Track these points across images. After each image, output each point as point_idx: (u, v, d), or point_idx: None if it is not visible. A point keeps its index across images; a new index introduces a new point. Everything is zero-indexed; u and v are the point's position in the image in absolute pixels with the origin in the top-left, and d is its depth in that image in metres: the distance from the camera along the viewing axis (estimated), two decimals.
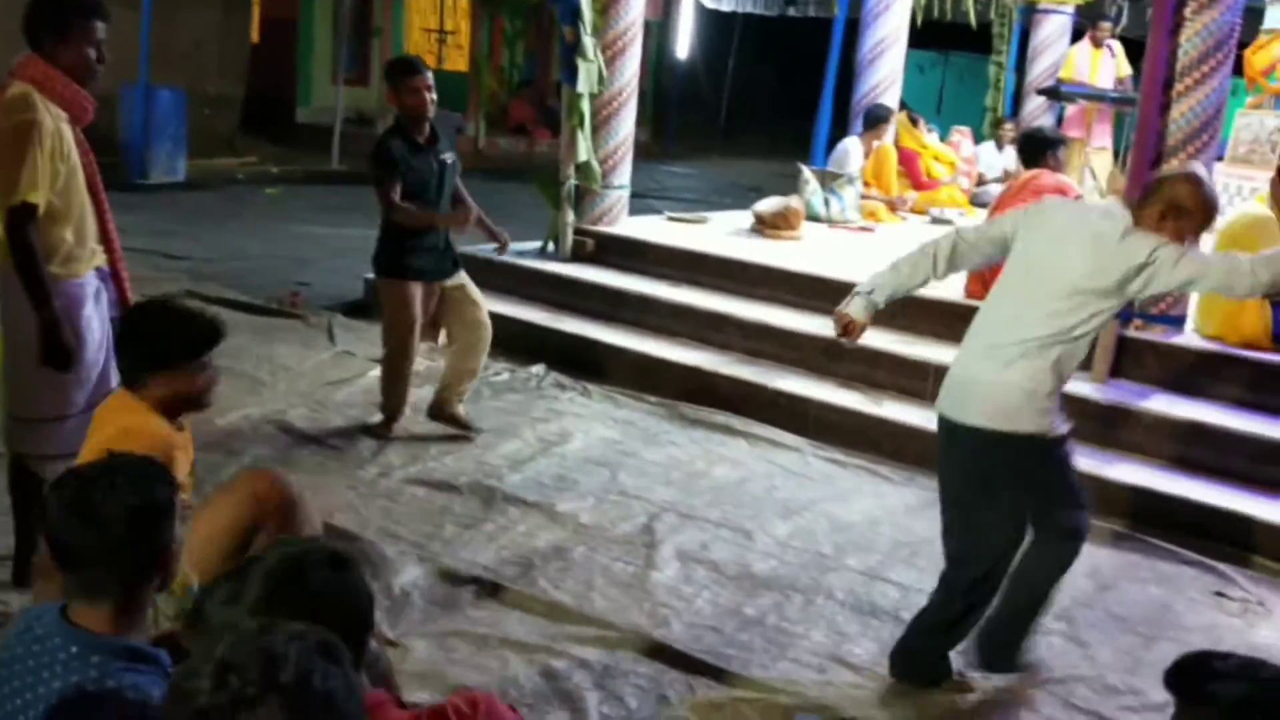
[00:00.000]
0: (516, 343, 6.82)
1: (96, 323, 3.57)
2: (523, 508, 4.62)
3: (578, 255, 7.54)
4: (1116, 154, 12.29)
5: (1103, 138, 11.47)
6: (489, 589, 3.90)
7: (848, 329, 3.68)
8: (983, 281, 6.15)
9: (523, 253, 7.78)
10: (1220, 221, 5.83)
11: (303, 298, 7.63)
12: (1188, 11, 5.34)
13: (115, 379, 3.62)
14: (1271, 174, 7.52)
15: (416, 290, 5.21)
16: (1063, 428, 3.43)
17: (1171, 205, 3.30)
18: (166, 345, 2.92)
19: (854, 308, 3.69)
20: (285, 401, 5.62)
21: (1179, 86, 5.39)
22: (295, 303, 7.44)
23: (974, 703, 3.49)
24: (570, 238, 7.53)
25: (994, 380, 3.34)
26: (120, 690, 1.84)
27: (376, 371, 6.16)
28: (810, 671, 3.58)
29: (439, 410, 5.38)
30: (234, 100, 14.43)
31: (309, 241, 9.83)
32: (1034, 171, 6.15)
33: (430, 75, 5.12)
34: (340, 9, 15.49)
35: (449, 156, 5.23)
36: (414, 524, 4.39)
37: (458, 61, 19.21)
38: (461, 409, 5.41)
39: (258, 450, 4.93)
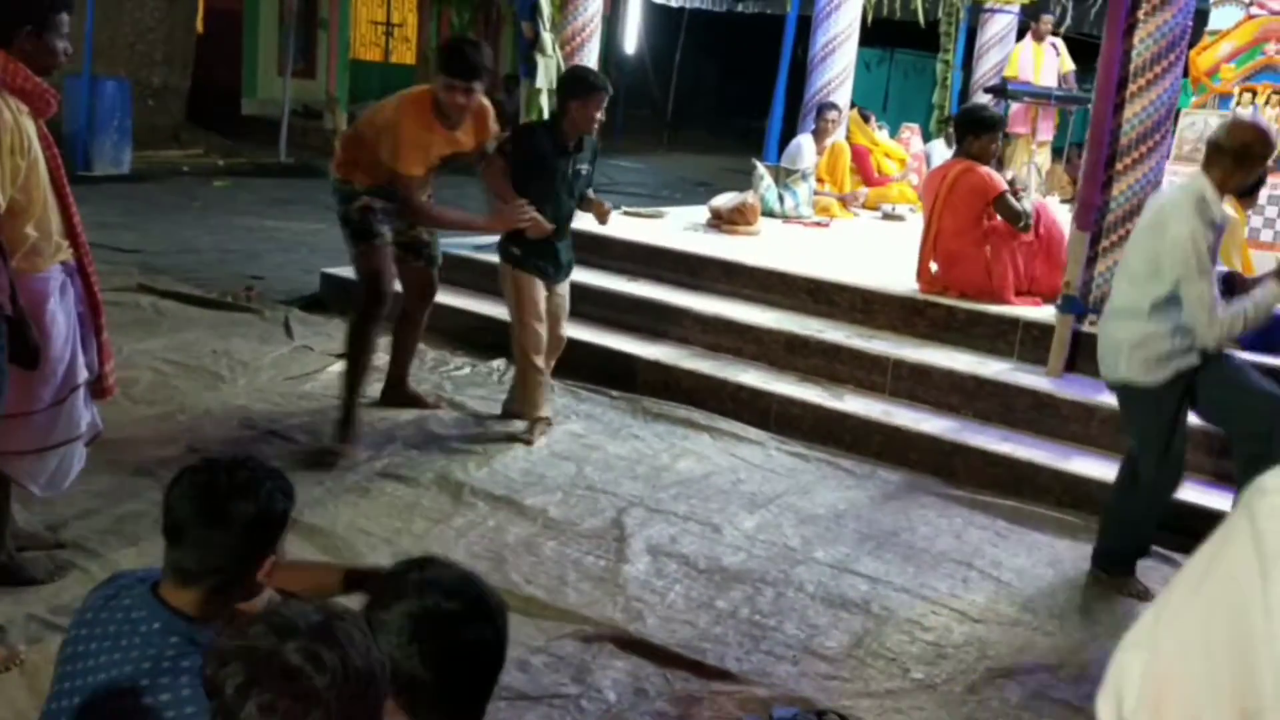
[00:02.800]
0: (477, 337, 6.81)
1: (62, 317, 3.51)
2: (491, 502, 4.62)
3: None
4: (1059, 151, 12.52)
5: (1046, 134, 11.69)
6: None
7: None
8: (925, 279, 6.27)
9: (481, 247, 7.75)
10: None
11: (257, 292, 7.54)
12: (1141, 13, 5.44)
13: (83, 374, 3.57)
14: None
15: (536, 285, 5.33)
16: None
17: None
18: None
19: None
20: (247, 397, 5.56)
21: (1132, 86, 5.50)
22: (250, 297, 7.35)
23: (945, 693, 3.55)
24: None
25: None
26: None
27: (337, 366, 6.13)
28: (785, 664, 3.62)
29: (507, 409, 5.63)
30: (179, 92, 14.21)
31: (260, 235, 9.72)
32: (966, 165, 6.22)
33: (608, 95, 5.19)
34: (285, 1, 15.31)
35: (585, 167, 5.30)
36: (383, 519, 4.37)
37: (405, 55, 19.10)
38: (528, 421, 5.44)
39: (222, 450, 4.86)
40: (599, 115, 5.13)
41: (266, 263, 8.61)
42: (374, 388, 5.57)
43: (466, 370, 6.35)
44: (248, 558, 2.05)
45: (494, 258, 7.43)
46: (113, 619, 1.99)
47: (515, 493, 4.72)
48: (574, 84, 5.22)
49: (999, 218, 6.20)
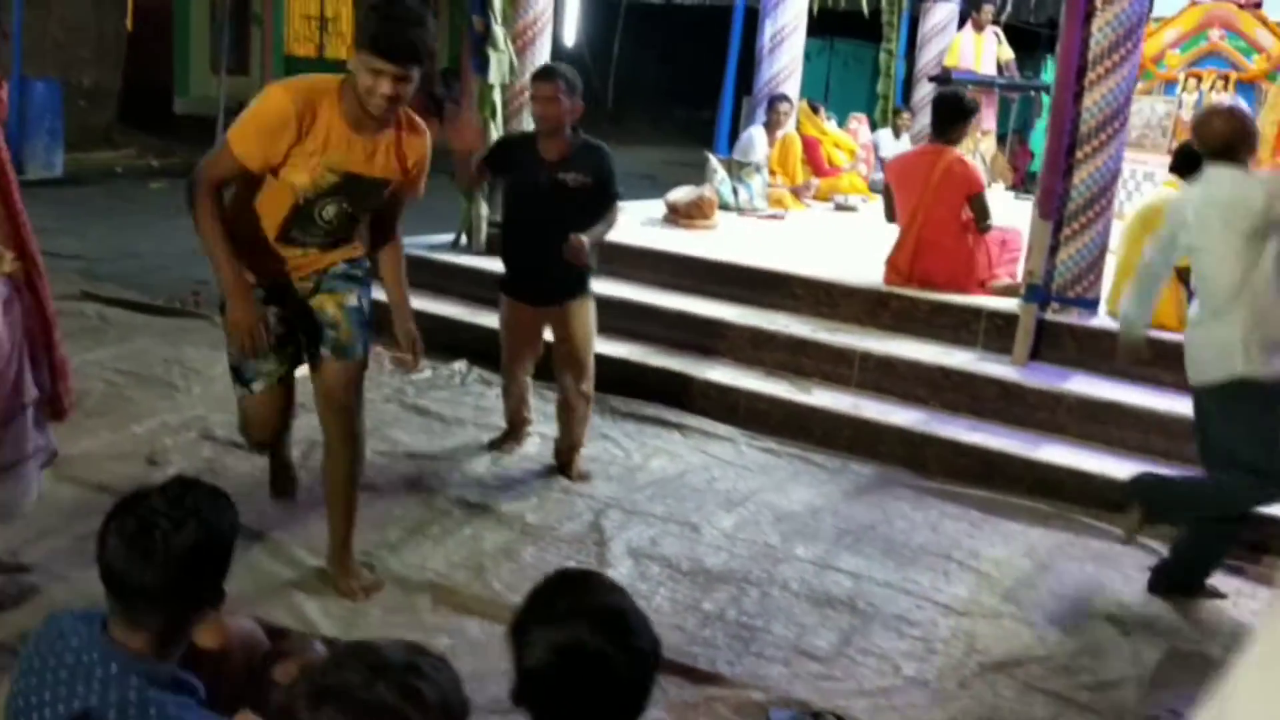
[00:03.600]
0: (434, 339, 6.62)
1: (5, 333, 3.35)
2: (466, 509, 4.52)
3: (493, 248, 7.39)
4: (1001, 138, 12.63)
5: (989, 121, 11.78)
6: (444, 594, 3.80)
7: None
8: (897, 269, 6.27)
9: (435, 246, 7.64)
10: (1132, 206, 6.03)
11: (204, 297, 7.34)
12: (1099, 1, 5.47)
13: (31, 393, 3.42)
14: (1161, 155, 7.83)
15: (512, 306, 4.98)
16: None
17: None
18: None
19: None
20: (204, 406, 5.41)
21: (1091, 74, 5.53)
22: (198, 302, 7.16)
23: (938, 689, 3.53)
24: (485, 230, 7.40)
25: None
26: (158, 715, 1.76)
27: (296, 372, 5.99)
28: (776, 665, 3.57)
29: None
30: (111, 91, 13.84)
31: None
32: (957, 155, 6.22)
33: (560, 83, 4.49)
34: None
35: (573, 177, 4.58)
36: (358, 531, 4.23)
37: (340, 49, 18.81)
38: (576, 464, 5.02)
39: (183, 463, 4.72)
40: (544, 106, 4.50)
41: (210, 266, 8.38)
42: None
43: (427, 373, 6.23)
44: (196, 595, 1.94)
45: (450, 258, 7.36)
46: (63, 664, 1.88)
47: (489, 498, 4.63)
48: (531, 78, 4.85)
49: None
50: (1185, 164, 5.52)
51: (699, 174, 9.01)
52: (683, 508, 4.70)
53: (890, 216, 6.47)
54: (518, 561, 4.11)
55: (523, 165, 4.67)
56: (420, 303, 6.89)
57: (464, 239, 7.56)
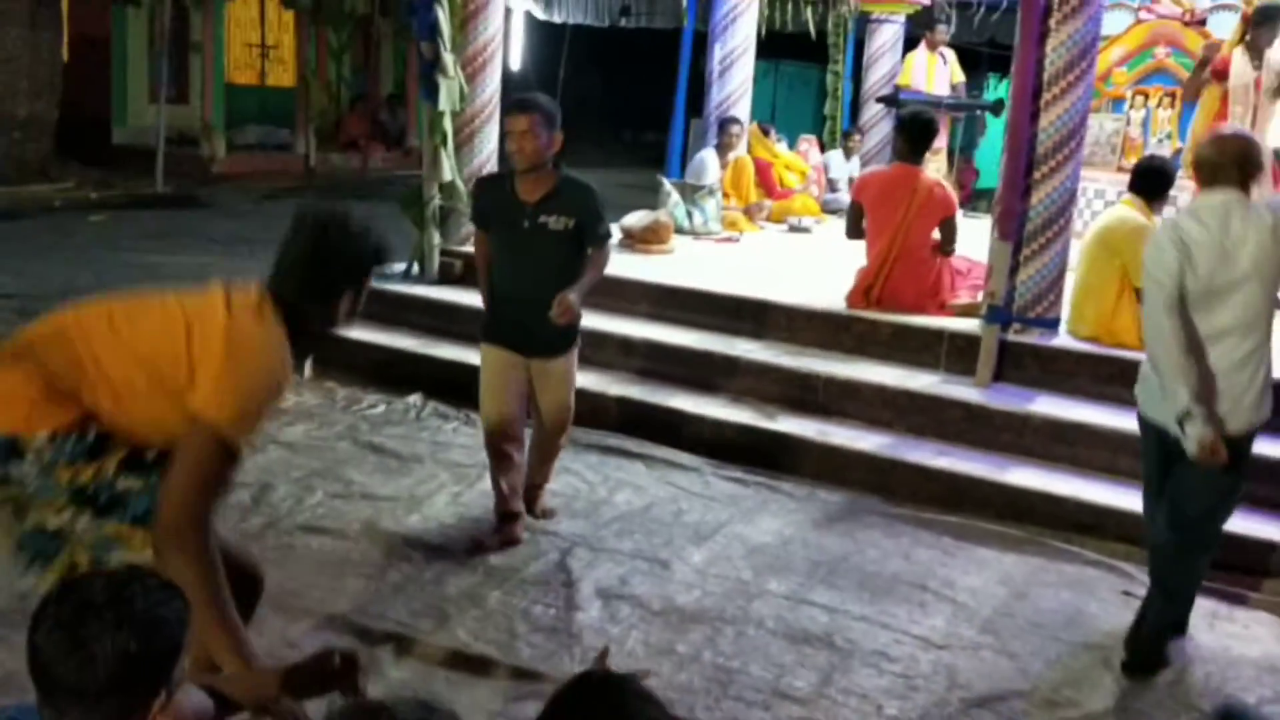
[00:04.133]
0: (387, 372, 6.54)
1: None
2: (426, 552, 4.37)
3: (445, 277, 7.27)
4: (950, 156, 12.69)
5: (940, 140, 11.82)
6: (407, 646, 3.65)
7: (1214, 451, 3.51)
8: (864, 289, 6.21)
9: (387, 276, 7.47)
10: (1093, 225, 6.02)
11: None
12: (1053, 22, 5.47)
13: None
14: (1111, 172, 7.87)
15: (488, 350, 4.52)
16: None
17: None
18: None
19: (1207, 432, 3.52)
20: None
21: (1047, 95, 5.52)
22: None
23: None
24: (437, 259, 7.26)
25: None
26: None
27: None
28: (756, 710, 3.46)
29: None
30: (47, 123, 13.51)
31: (144, 271, 9.22)
32: (936, 179, 6.21)
33: (537, 116, 4.13)
34: (156, 24, 14.73)
35: (554, 220, 4.23)
36: (312, 578, 4.09)
37: (282, 77, 18.57)
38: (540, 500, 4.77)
39: None
40: (519, 141, 4.11)
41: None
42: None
43: (381, 408, 6.07)
44: (130, 703, 1.72)
45: (402, 288, 7.20)
46: None
47: (451, 540, 4.49)
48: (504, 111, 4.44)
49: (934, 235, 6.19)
50: (1143, 182, 5.52)
51: (649, 197, 8.93)
52: (651, 543, 4.58)
53: (854, 233, 6.41)
54: (483, 607, 3.97)
55: (501, 207, 4.30)
56: (370, 335, 6.78)
57: (416, 268, 7.40)
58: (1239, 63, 6.80)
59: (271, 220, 12.35)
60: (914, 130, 6.30)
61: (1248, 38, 6.82)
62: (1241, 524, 4.69)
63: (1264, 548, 4.61)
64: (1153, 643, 3.84)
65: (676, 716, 1.68)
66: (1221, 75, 6.82)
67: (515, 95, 4.42)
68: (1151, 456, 3.89)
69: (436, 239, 7.27)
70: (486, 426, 4.52)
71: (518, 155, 4.17)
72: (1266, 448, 4.99)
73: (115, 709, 1.69)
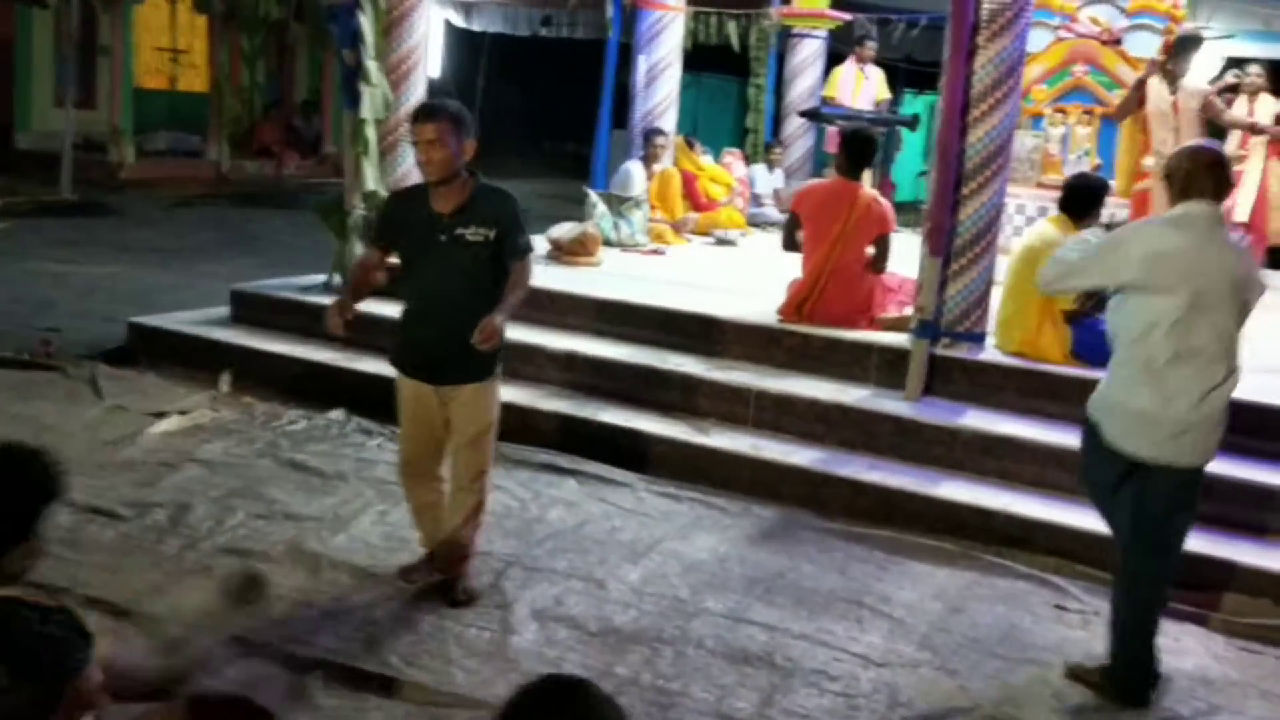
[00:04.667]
0: (307, 385, 6.36)
1: None
2: (354, 574, 4.23)
3: None
4: (873, 171, 12.80)
5: None
6: (337, 673, 3.52)
7: None
8: (796, 303, 6.20)
9: (305, 288, 7.30)
10: (1020, 242, 6.08)
11: (56, 346, 6.85)
12: (980, 39, 5.51)
13: None
14: (1030, 188, 8.00)
15: (403, 382, 4.12)
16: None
17: None
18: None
19: None
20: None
21: (975, 112, 5.56)
22: (49, 352, 6.67)
23: None
24: None
25: None
26: None
27: (158, 427, 5.62)
28: None
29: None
30: None
31: (49, 281, 8.90)
32: (855, 186, 6.21)
33: (445, 122, 3.81)
34: (62, 26, 14.27)
35: (471, 232, 3.88)
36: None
37: (193, 82, 18.15)
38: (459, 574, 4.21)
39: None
40: (428, 151, 3.80)
41: (62, 312, 7.87)
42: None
43: (302, 424, 5.89)
44: None
45: (323, 300, 7.00)
46: None
47: (379, 561, 4.35)
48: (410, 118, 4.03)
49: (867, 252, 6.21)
50: (1073, 201, 5.58)
51: (572, 208, 8.87)
52: (585, 562, 4.49)
53: (789, 245, 6.40)
54: (415, 631, 3.84)
55: (416, 222, 3.95)
56: (291, 348, 6.61)
57: (336, 279, 7.22)
58: (1155, 89, 6.94)
59: (183, 228, 12.08)
60: (854, 147, 6.35)
61: (1169, 64, 6.97)
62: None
63: (1190, 561, 4.65)
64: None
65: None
66: (1143, 101, 6.95)
67: (420, 102, 4.09)
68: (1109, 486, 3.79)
69: (359, 249, 7.09)
70: (399, 461, 4.28)
71: (427, 166, 3.84)
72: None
73: None
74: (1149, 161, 6.92)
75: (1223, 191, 3.64)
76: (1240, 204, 8.57)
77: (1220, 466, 4.94)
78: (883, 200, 6.31)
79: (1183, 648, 4.18)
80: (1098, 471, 3.82)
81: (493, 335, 3.79)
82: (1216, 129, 7.56)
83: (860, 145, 6.34)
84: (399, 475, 4.30)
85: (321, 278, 7.39)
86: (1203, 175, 3.58)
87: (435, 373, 4.02)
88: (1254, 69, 8.99)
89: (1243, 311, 3.60)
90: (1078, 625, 4.33)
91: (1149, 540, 3.70)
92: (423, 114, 3.90)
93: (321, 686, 3.43)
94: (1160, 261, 3.53)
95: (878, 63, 11.80)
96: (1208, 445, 3.64)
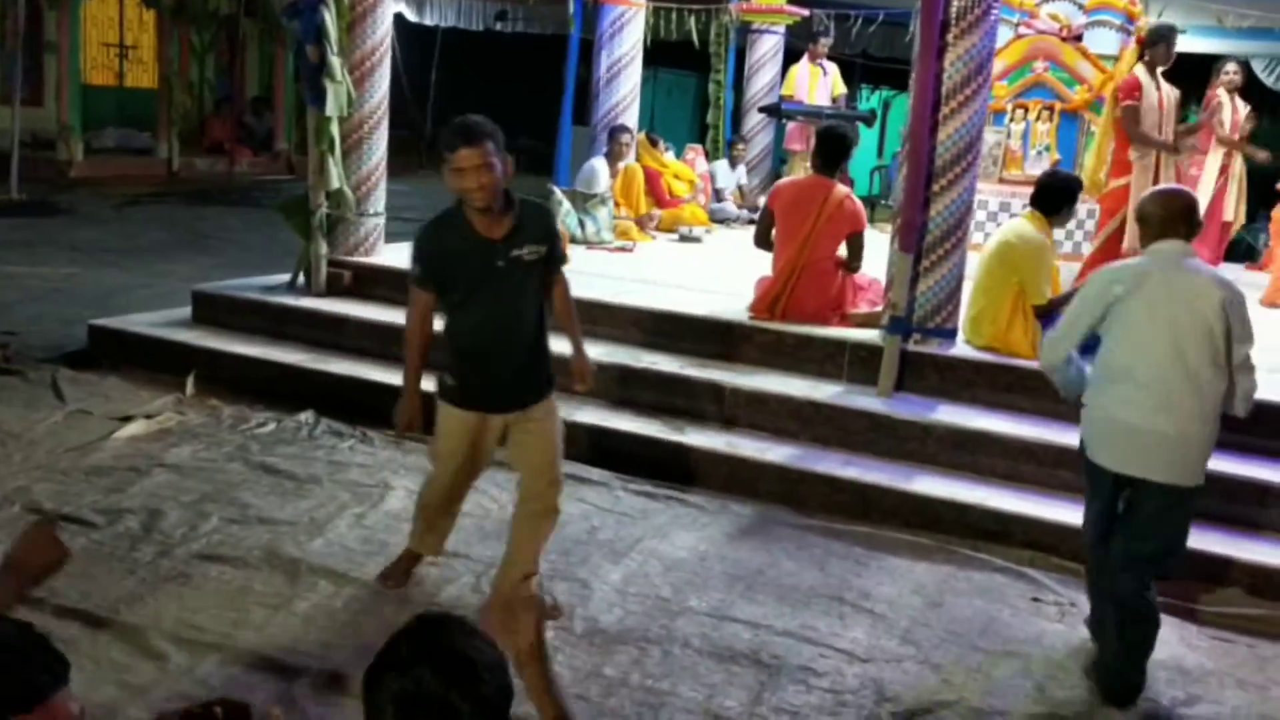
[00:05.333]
0: (275, 387, 6.28)
1: None
2: (334, 579, 4.18)
3: (334, 288, 7.03)
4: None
5: None
6: (325, 680, 3.47)
7: None
8: (768, 299, 6.21)
9: (270, 288, 7.21)
10: (993, 237, 6.12)
11: (13, 350, 6.70)
12: (950, 36, 5.55)
13: None
14: (992, 183, 8.05)
15: (458, 417, 3.93)
16: None
17: None
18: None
19: None
20: (25, 475, 4.88)
21: (945, 109, 5.60)
22: (7, 356, 6.52)
23: None
24: (325, 270, 7.01)
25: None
26: None
27: (124, 431, 5.52)
28: None
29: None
30: None
31: (3, 284, 8.71)
32: (830, 183, 6.22)
33: (487, 145, 3.55)
34: (7, 22, 13.96)
35: (527, 251, 3.74)
36: (215, 611, 3.87)
37: (141, 78, 17.87)
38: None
39: (6, 541, 4.21)
40: (478, 177, 3.53)
41: (19, 315, 7.71)
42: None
43: (271, 427, 5.80)
44: None
45: (288, 300, 6.93)
46: None
47: (358, 565, 4.30)
48: (442, 143, 3.64)
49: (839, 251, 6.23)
50: (1046, 198, 5.64)
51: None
52: (567, 562, 4.47)
53: (762, 242, 6.41)
54: None
55: (465, 254, 3.69)
56: (255, 349, 6.54)
57: (301, 279, 7.14)
58: (1146, 80, 7.03)
59: (136, 228, 11.87)
60: (825, 144, 6.37)
61: (1146, 58, 7.06)
62: None
63: None
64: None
65: (493, 652, 1.70)
66: (1129, 95, 7.02)
67: (455, 126, 3.63)
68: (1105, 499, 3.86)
69: (324, 249, 7.02)
70: (428, 495, 4.09)
71: (478, 193, 3.57)
72: None
73: None
74: (1133, 154, 6.99)
75: (1193, 234, 3.78)
76: (1225, 200, 8.87)
77: None
78: (856, 199, 6.33)
79: (1158, 637, 4.23)
80: None
81: (591, 376, 4.09)
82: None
83: (831, 143, 6.35)
84: (426, 506, 4.12)
85: (284, 277, 7.29)
86: (1177, 220, 3.75)
87: (506, 401, 3.90)
88: (1231, 66, 9.21)
89: (1225, 337, 3.59)
90: (1055, 617, 4.37)
91: None
92: (464, 138, 3.55)
93: (310, 694, 3.39)
94: (1122, 274, 3.74)
95: (833, 58, 11.87)
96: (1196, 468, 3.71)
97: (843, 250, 6.29)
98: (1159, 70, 7.06)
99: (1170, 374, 3.60)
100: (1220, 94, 9.20)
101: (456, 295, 3.78)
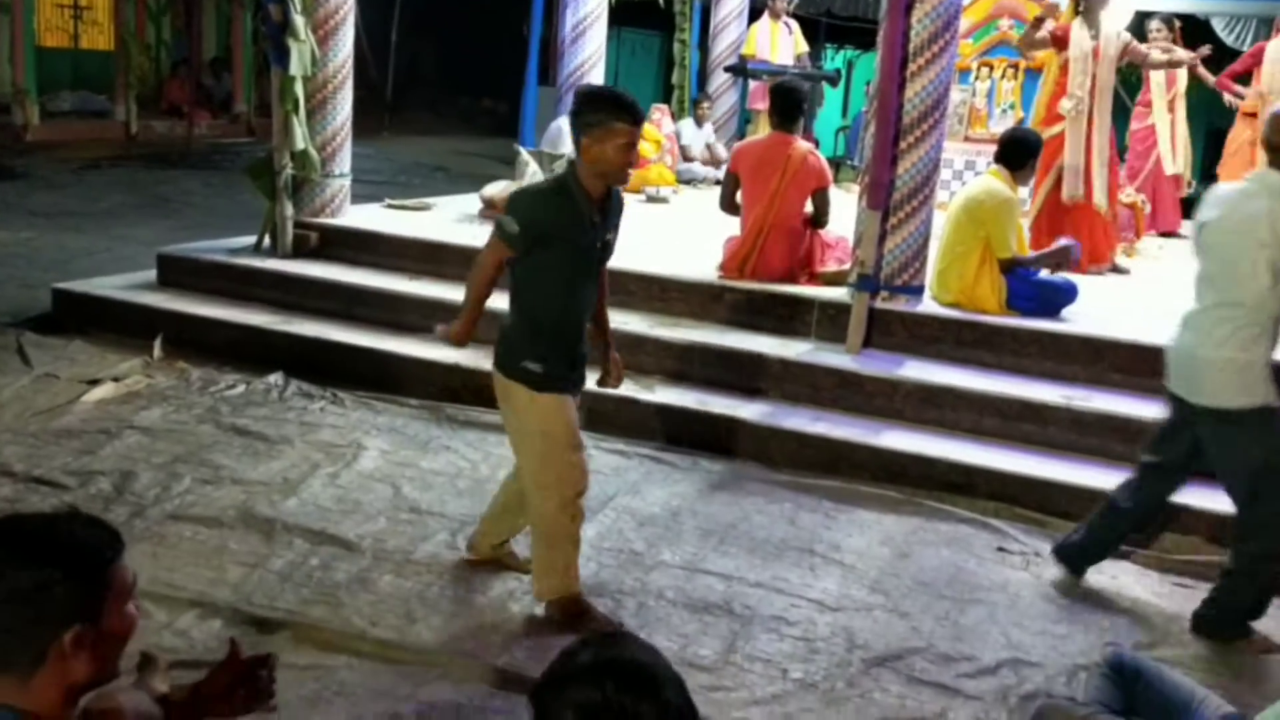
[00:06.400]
0: (242, 349, 6.26)
1: None
2: (309, 537, 4.19)
3: (300, 250, 6.99)
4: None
5: None
6: (304, 632, 3.50)
7: None
8: (738, 259, 6.25)
9: (235, 250, 7.16)
10: (960, 194, 6.17)
11: None
12: None
13: None
14: (958, 141, 8.11)
15: (560, 400, 3.67)
16: None
17: None
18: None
19: None
20: None
21: (913, 65, 5.63)
22: None
23: (827, 690, 3.48)
24: (290, 231, 6.96)
25: None
26: None
27: (92, 395, 5.49)
28: None
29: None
30: None
31: None
32: (790, 139, 6.23)
33: (641, 124, 3.50)
34: None
35: (610, 237, 3.71)
36: (191, 569, 3.88)
37: (97, 39, 17.55)
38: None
39: None
40: (631, 152, 3.44)
41: None
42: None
43: (241, 388, 5.79)
44: (38, 634, 1.72)
45: (253, 262, 6.89)
46: None
47: (333, 524, 4.32)
48: (590, 109, 3.43)
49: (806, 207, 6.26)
50: (1010, 153, 5.69)
51: (496, 165, 8.81)
52: None
53: (728, 206, 6.43)
54: (375, 592, 3.84)
55: (571, 225, 3.52)
56: (221, 311, 6.51)
57: (268, 241, 7.09)
58: (1078, 32, 7.07)
59: (95, 191, 11.72)
60: (780, 99, 6.36)
61: (1082, 8, 7.10)
62: (1104, 479, 4.93)
63: None
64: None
65: (669, 664, 1.66)
66: (1062, 44, 7.08)
67: (616, 98, 3.47)
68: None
69: (290, 210, 6.97)
70: (571, 493, 3.67)
71: (626, 171, 3.50)
72: (1117, 406, 5.27)
73: (26, 634, 1.71)
74: (1065, 105, 7.05)
75: None
76: (1166, 155, 8.83)
77: (1144, 410, 5.17)
78: (819, 154, 6.36)
79: (1121, 585, 4.34)
80: None
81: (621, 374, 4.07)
82: (1127, 77, 7.74)
83: (785, 97, 6.35)
84: (572, 507, 3.69)
85: (249, 240, 7.24)
86: None
87: (578, 385, 3.79)
88: (1154, 24, 9.17)
89: None
90: (1020, 566, 4.47)
91: None
92: (633, 115, 3.42)
93: (290, 646, 3.41)
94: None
95: (796, 16, 11.86)
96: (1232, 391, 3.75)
97: (809, 209, 6.32)
98: (1100, 16, 7.08)
99: None
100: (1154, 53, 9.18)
101: (552, 270, 3.56)
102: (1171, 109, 9.08)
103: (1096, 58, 7.08)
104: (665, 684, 1.56)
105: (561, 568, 3.68)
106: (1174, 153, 8.96)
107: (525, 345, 3.62)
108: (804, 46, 11.65)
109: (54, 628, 1.75)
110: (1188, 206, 10.42)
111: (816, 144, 14.52)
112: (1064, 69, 7.20)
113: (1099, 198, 7.14)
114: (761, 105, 11.36)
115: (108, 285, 6.93)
